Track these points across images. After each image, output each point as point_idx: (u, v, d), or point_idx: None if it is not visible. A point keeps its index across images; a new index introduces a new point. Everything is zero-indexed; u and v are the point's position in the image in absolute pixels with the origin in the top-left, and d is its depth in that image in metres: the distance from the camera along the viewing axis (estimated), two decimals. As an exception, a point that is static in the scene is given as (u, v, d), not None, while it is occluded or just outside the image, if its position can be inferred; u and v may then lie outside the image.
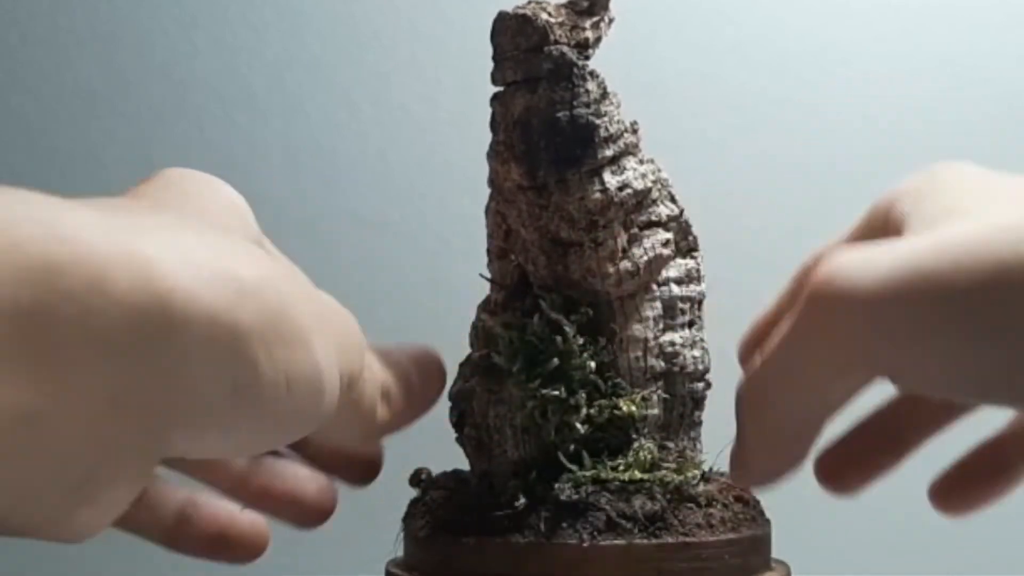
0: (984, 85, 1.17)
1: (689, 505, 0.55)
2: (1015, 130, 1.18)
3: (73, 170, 1.08)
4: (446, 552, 0.56)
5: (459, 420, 0.62)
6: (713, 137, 1.08)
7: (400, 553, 0.62)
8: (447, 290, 1.02)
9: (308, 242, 1.11)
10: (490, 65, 0.63)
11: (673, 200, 0.60)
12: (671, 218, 0.60)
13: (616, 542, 0.53)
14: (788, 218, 1.15)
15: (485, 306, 0.63)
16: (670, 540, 0.54)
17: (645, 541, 0.53)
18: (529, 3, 0.59)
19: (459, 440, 0.62)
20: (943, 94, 1.17)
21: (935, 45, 1.17)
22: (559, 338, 0.56)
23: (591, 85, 0.57)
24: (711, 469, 0.61)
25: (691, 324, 0.60)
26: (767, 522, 0.60)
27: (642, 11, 1.11)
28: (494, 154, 0.59)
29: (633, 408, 0.56)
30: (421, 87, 1.12)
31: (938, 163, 0.51)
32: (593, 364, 0.56)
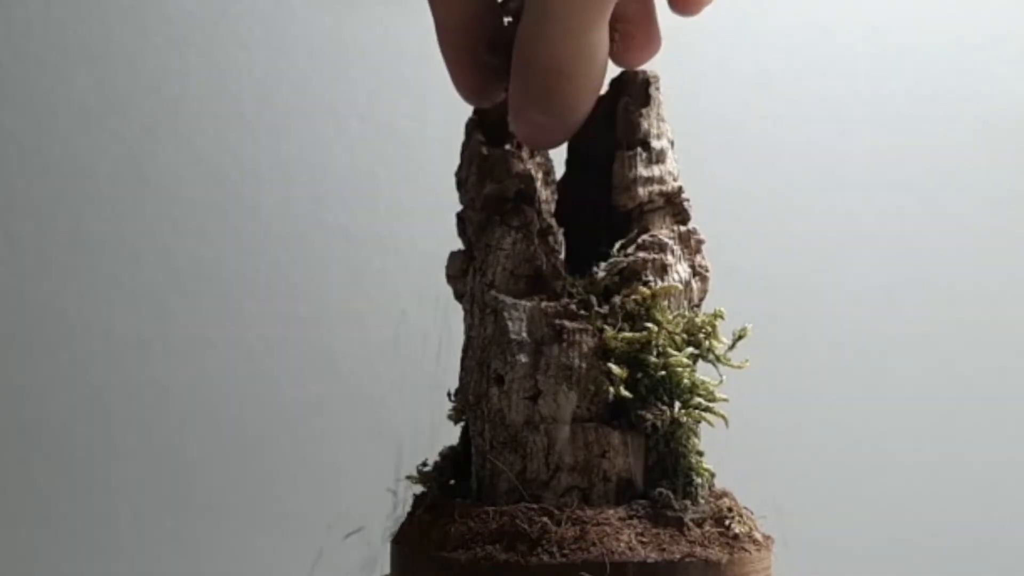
0: (961, 103, 1.19)
1: None
2: (992, 146, 1.19)
3: (65, 186, 1.09)
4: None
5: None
6: (696, 155, 1.09)
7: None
8: (435, 305, 1.03)
9: (297, 257, 1.12)
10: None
11: None
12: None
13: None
14: (770, 232, 1.17)
15: None
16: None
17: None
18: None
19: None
20: (921, 113, 1.19)
21: (913, 65, 1.19)
22: None
23: None
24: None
25: None
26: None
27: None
28: None
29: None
30: (408, 104, 1.13)
31: None
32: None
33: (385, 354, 1.12)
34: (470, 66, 0.58)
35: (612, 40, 0.60)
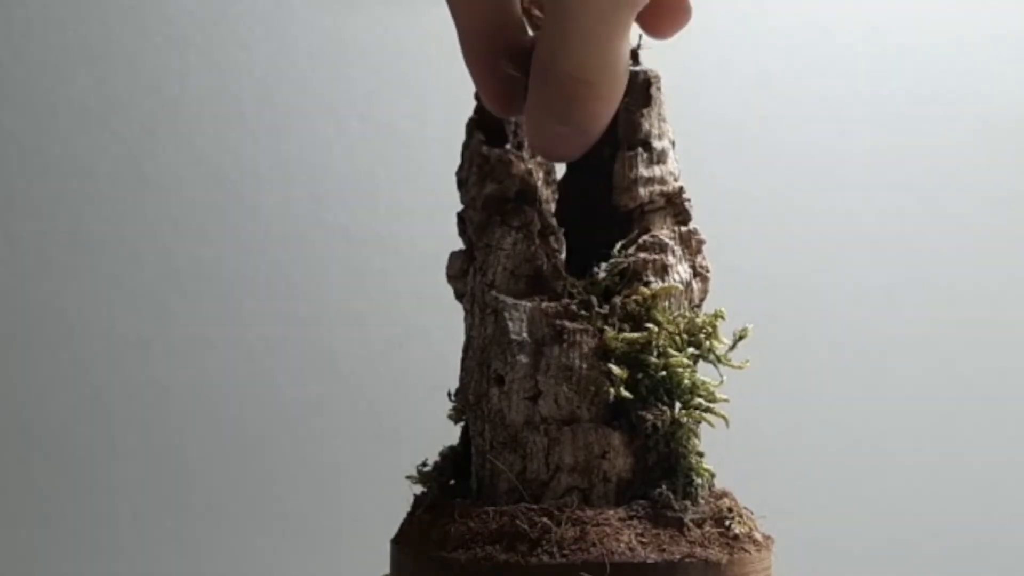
0: (961, 103, 1.19)
1: None
2: (992, 146, 1.20)
3: (65, 186, 1.09)
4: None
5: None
6: (695, 155, 1.09)
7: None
8: (435, 306, 1.03)
9: (298, 257, 1.12)
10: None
11: None
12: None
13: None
14: (770, 232, 1.17)
15: None
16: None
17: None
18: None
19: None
20: (921, 113, 1.19)
21: (913, 65, 1.19)
22: None
23: None
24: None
25: None
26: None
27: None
28: None
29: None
30: (408, 104, 1.13)
31: None
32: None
33: (385, 354, 1.12)
34: (491, 76, 0.58)
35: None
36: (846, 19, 1.18)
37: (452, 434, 0.69)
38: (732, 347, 0.64)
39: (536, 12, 0.65)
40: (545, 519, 0.59)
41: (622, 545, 0.58)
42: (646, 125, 0.66)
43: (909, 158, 1.18)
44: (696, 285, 0.66)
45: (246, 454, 1.10)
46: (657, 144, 0.66)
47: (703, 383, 0.63)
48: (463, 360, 0.66)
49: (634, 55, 0.64)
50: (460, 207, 0.69)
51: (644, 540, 0.59)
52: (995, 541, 1.19)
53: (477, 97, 0.65)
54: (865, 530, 1.17)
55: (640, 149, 0.66)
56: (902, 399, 1.18)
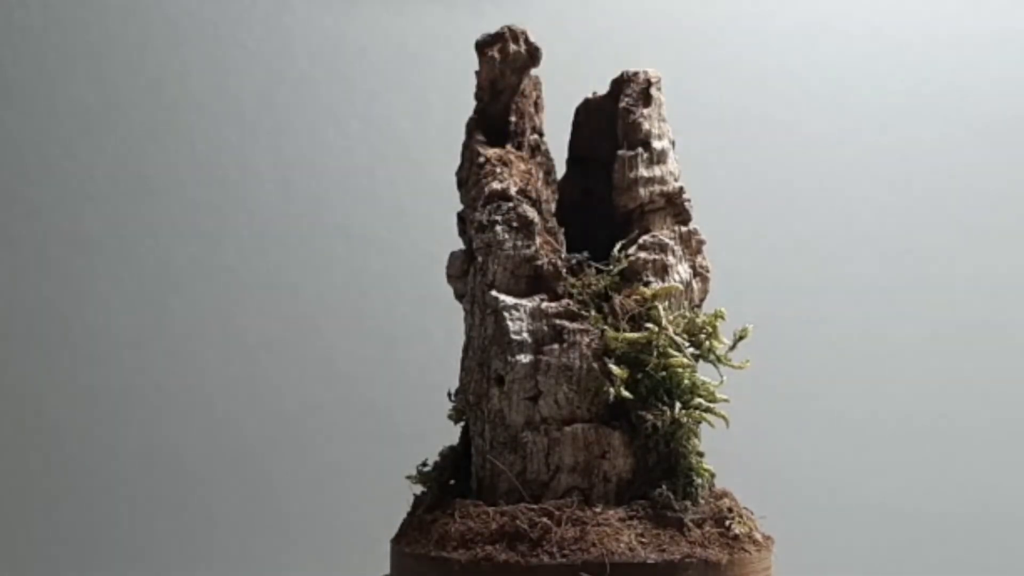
0: (961, 101, 1.19)
1: None
2: (992, 146, 1.20)
3: (66, 185, 1.09)
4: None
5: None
6: (695, 154, 1.10)
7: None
8: (434, 304, 1.03)
9: (298, 257, 1.12)
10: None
11: None
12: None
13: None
14: (770, 232, 1.17)
15: None
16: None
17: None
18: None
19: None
20: (921, 114, 1.19)
21: (914, 65, 1.19)
22: None
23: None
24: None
25: None
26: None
27: (625, 29, 1.13)
28: None
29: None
30: (408, 104, 1.13)
31: None
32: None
33: (385, 354, 1.11)
34: None
35: None
36: (846, 19, 1.18)
37: (452, 434, 0.69)
38: (732, 347, 0.64)
39: None
40: (545, 519, 0.59)
41: (622, 545, 0.58)
42: (646, 125, 0.66)
43: (909, 157, 1.18)
44: (696, 285, 0.66)
45: (245, 454, 1.10)
46: (657, 144, 0.66)
47: (703, 383, 0.63)
48: (463, 360, 0.67)
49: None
50: (460, 207, 0.69)
51: (644, 540, 0.59)
52: (995, 541, 1.19)
53: (477, 97, 0.65)
54: (865, 530, 1.17)
55: (640, 149, 0.66)
56: (902, 399, 1.18)
